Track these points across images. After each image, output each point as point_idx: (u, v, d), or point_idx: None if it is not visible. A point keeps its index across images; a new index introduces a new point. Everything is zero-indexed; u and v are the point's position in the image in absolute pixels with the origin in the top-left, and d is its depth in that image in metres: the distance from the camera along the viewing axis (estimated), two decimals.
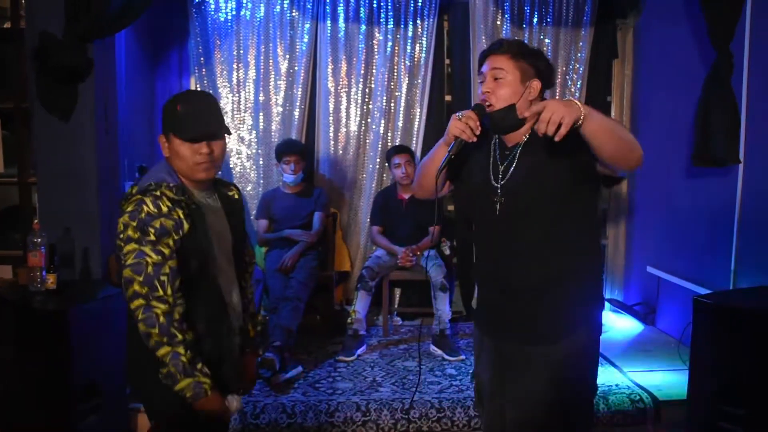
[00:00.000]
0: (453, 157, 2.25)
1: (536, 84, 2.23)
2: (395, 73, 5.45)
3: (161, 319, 2.00)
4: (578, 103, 1.96)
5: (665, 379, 4.03)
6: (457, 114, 2.24)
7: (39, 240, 3.36)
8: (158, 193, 2.07)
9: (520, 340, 2.33)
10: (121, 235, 2.03)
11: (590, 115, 1.96)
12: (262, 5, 5.30)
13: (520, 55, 2.23)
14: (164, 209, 2.06)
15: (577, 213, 2.26)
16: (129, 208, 2.04)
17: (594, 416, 2.58)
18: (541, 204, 2.22)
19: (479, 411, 2.66)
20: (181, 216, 2.09)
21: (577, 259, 2.24)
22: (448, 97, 5.61)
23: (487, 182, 2.34)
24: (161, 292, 2.01)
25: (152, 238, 2.03)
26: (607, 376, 4.07)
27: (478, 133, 2.20)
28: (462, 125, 2.19)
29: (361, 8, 5.35)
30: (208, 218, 2.19)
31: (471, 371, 4.11)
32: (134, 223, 2.02)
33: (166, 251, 2.05)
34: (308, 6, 5.30)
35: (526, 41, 5.33)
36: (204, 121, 2.16)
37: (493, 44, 2.31)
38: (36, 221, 3.62)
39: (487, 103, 2.24)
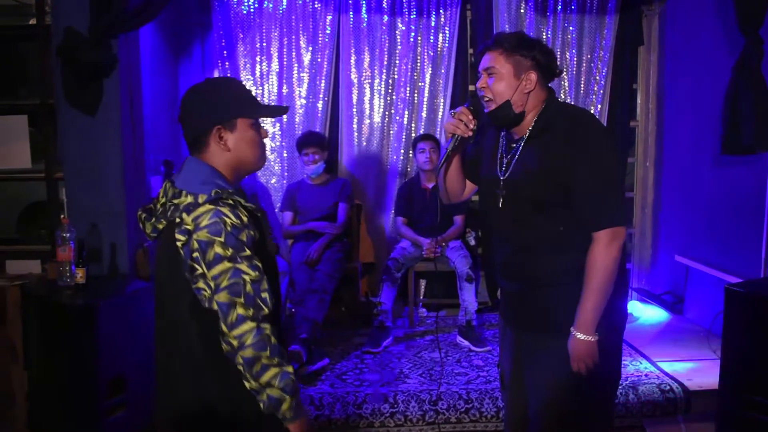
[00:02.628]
0: (451, 153, 2.37)
1: (533, 76, 2.24)
2: (419, 64, 5.43)
3: (272, 339, 1.80)
4: (579, 336, 2.20)
5: (695, 369, 3.98)
6: (451, 111, 2.34)
7: (68, 235, 3.39)
8: (232, 201, 1.84)
9: (539, 331, 2.36)
10: (205, 256, 1.77)
11: (591, 326, 2.19)
12: None
13: (514, 48, 2.24)
14: (245, 219, 1.84)
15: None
16: (204, 222, 1.78)
17: (614, 406, 2.59)
18: (541, 199, 2.23)
19: (503, 398, 2.68)
20: (254, 226, 1.89)
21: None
22: (471, 87, 5.57)
23: (494, 174, 2.38)
24: (266, 311, 1.81)
25: (247, 253, 1.80)
26: (636, 366, 4.04)
27: (472, 126, 2.29)
28: (455, 122, 2.30)
29: None
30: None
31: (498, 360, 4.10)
32: (220, 239, 1.76)
33: (260, 265, 1.83)
34: None
35: (549, 29, 5.38)
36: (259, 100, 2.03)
37: (488, 41, 2.33)
38: (63, 216, 3.65)
39: (486, 99, 2.28)
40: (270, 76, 5.38)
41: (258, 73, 5.36)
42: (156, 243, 1.98)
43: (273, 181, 5.44)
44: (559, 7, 5.40)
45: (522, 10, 5.39)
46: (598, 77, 5.50)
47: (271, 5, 5.30)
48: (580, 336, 2.20)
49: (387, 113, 5.47)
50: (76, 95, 3.69)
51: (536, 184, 2.22)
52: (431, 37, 5.39)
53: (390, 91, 5.45)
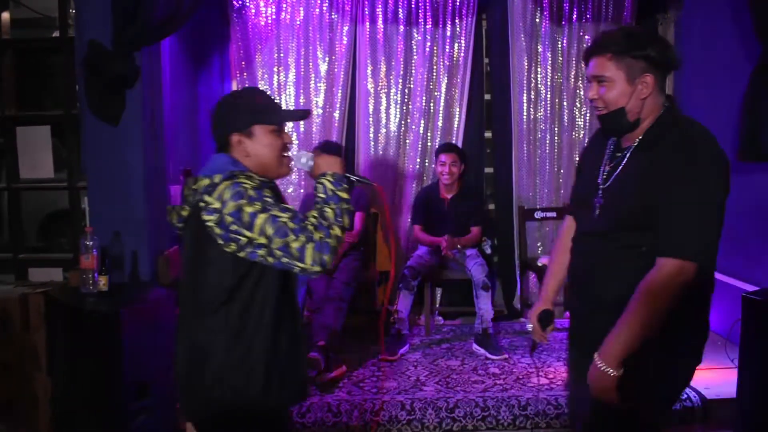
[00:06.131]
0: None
1: (648, 79, 2.01)
2: (434, 73, 5.46)
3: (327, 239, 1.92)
4: (599, 364, 1.97)
5: (713, 378, 3.97)
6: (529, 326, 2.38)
7: (91, 243, 3.43)
8: (245, 176, 1.97)
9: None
10: (242, 222, 1.88)
11: (615, 358, 1.95)
12: (301, 8, 5.35)
13: (623, 51, 2.01)
14: (258, 183, 1.98)
15: None
16: (227, 195, 1.90)
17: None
18: (632, 213, 2.03)
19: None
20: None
21: None
22: (487, 96, 5.61)
23: (593, 181, 2.19)
24: (313, 229, 1.91)
25: (273, 201, 1.93)
26: None
27: (548, 339, 2.36)
28: (537, 337, 2.38)
29: (400, 9, 5.36)
30: None
31: (514, 370, 4.13)
32: (245, 201, 1.89)
33: (290, 207, 1.99)
34: (347, 8, 5.34)
35: (565, 38, 5.39)
36: (281, 107, 2.20)
37: (593, 43, 2.10)
38: (86, 225, 3.70)
39: (599, 108, 2.09)
40: (287, 86, 5.43)
41: (276, 83, 5.42)
42: (182, 234, 2.10)
43: (290, 190, 5.49)
44: (575, 15, 5.41)
45: (537, 20, 5.41)
46: None
47: (288, 16, 5.36)
48: (600, 365, 1.97)
49: (403, 122, 5.51)
50: (100, 106, 3.74)
51: (632, 198, 2.02)
52: (447, 47, 5.42)
53: (406, 100, 5.49)
